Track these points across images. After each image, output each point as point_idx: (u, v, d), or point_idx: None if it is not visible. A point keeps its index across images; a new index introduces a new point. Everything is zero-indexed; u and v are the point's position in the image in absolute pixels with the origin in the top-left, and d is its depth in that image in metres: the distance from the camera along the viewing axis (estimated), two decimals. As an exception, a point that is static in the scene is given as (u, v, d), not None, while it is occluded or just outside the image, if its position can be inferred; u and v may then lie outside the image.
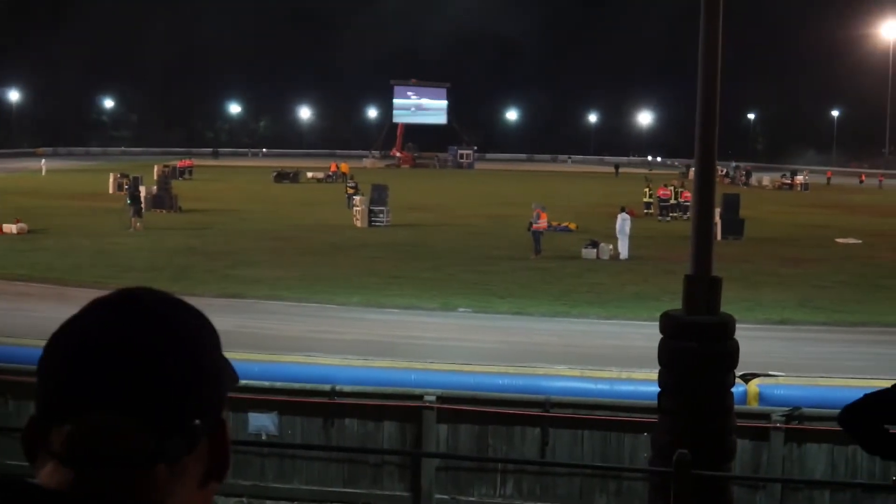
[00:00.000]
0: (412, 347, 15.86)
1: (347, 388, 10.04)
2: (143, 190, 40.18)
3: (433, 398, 9.84)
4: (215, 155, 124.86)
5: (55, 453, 1.10)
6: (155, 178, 48.24)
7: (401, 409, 9.99)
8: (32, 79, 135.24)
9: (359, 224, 37.88)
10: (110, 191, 53.69)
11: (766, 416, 9.60)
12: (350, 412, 10.06)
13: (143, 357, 1.11)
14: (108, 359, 1.10)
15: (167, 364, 1.12)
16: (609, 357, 14.74)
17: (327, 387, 10.03)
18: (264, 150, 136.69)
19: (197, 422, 1.13)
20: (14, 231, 32.69)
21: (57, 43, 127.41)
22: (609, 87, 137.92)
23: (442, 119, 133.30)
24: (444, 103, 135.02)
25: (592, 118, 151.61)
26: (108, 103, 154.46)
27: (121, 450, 1.09)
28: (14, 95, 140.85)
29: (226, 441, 1.17)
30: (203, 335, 1.19)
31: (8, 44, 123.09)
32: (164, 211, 41.72)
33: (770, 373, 10.61)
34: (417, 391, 9.95)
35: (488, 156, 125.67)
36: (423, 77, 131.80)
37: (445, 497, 9.87)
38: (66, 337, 1.14)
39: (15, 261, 26.38)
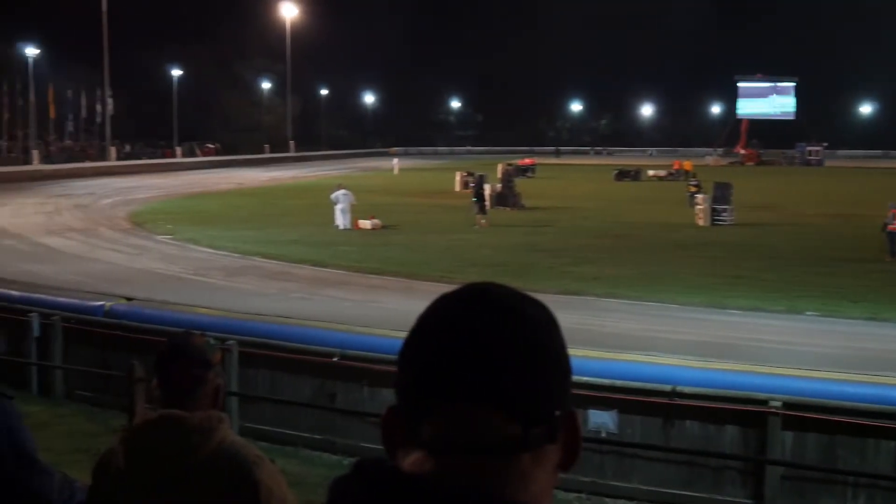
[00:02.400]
0: (755, 350, 15.35)
1: (688, 390, 9.87)
2: (487, 188, 41.28)
3: (778, 404, 9.48)
4: (557, 153, 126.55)
5: (423, 443, 1.15)
6: (498, 176, 49.46)
7: (744, 414, 9.70)
8: (386, 83, 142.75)
9: (701, 223, 37.13)
10: (456, 189, 55.67)
11: None
12: (691, 414, 9.88)
13: (506, 349, 1.14)
14: (473, 351, 1.14)
15: (529, 356, 1.15)
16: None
17: (668, 387, 9.90)
18: (608, 148, 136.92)
19: (557, 413, 1.16)
20: (368, 227, 34.58)
21: (404, 48, 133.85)
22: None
23: (790, 115, 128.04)
24: (791, 98, 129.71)
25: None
26: (455, 104, 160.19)
27: (489, 439, 1.12)
28: (369, 99, 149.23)
29: (579, 432, 1.20)
30: (554, 327, 1.21)
31: (364, 52, 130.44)
32: (507, 208, 42.69)
33: None
34: (761, 396, 9.62)
35: (839, 152, 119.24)
36: (770, 72, 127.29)
37: (790, 507, 9.49)
38: (428, 331, 1.19)
39: (368, 255, 27.89)
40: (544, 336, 1.19)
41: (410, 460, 1.15)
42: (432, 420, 1.14)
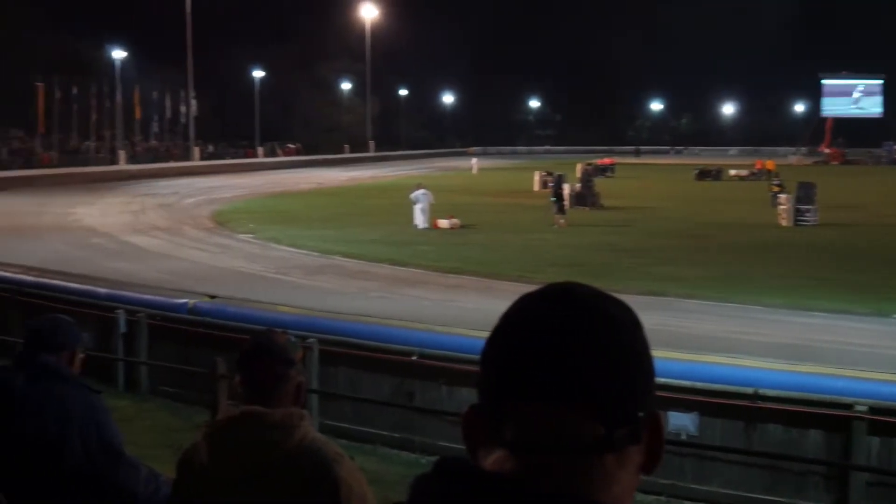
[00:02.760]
0: (839, 353, 15.05)
1: (770, 393, 9.72)
2: (566, 188, 41.08)
3: (864, 408, 9.29)
4: (637, 153, 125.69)
5: (506, 442, 1.14)
6: (577, 176, 49.26)
7: (828, 418, 9.53)
8: (465, 83, 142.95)
9: (784, 223, 36.54)
10: (535, 188, 55.58)
11: None
12: (773, 417, 9.73)
13: (592, 349, 1.14)
14: (556, 351, 1.14)
15: (615, 357, 1.15)
16: None
17: (749, 390, 9.76)
18: (688, 148, 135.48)
19: (640, 414, 1.16)
20: (447, 226, 34.66)
21: (483, 48, 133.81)
22: None
23: (876, 113, 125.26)
24: (878, 97, 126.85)
25: None
26: (534, 104, 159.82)
27: (572, 440, 1.12)
28: (448, 99, 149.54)
29: (662, 434, 1.20)
30: (637, 328, 1.21)
31: (444, 51, 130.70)
32: (586, 208, 42.48)
33: None
34: (846, 400, 9.44)
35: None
36: (856, 69, 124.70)
37: (875, 514, 9.30)
38: (510, 331, 1.19)
39: (447, 254, 27.94)
40: (628, 336, 1.18)
41: (492, 459, 1.15)
42: (515, 419, 1.14)
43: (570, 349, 1.14)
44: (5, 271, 16.06)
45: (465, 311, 17.78)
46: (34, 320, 4.97)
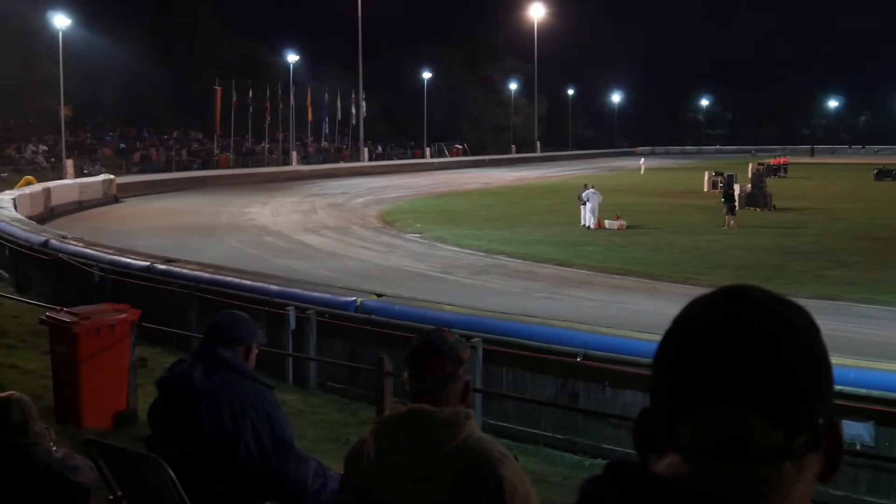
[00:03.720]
0: None
1: (953, 404, 9.28)
2: (737, 188, 40.26)
3: None
4: (811, 152, 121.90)
5: (680, 447, 1.13)
6: (749, 176, 48.14)
7: None
8: (633, 82, 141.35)
9: (969, 225, 34.90)
10: (704, 189, 54.55)
11: None
12: (956, 430, 9.29)
13: (772, 354, 1.12)
14: (736, 355, 1.12)
15: (796, 361, 1.13)
16: None
17: (930, 400, 9.35)
18: (872, 147, 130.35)
19: (820, 420, 1.13)
20: (614, 227, 34.39)
21: (652, 46, 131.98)
22: None
23: None
24: None
25: None
26: (704, 102, 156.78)
27: (752, 446, 1.10)
28: (616, 98, 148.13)
29: (841, 442, 1.16)
30: (816, 332, 1.17)
31: (612, 50, 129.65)
32: (757, 209, 41.48)
33: None
34: None
35: None
36: None
37: None
38: (687, 335, 1.17)
39: (613, 255, 27.70)
40: (808, 341, 1.15)
41: (665, 464, 1.14)
42: (691, 424, 1.13)
43: (750, 354, 1.11)
44: (184, 268, 16.68)
45: (629, 313, 17.58)
46: (214, 315, 5.16)
